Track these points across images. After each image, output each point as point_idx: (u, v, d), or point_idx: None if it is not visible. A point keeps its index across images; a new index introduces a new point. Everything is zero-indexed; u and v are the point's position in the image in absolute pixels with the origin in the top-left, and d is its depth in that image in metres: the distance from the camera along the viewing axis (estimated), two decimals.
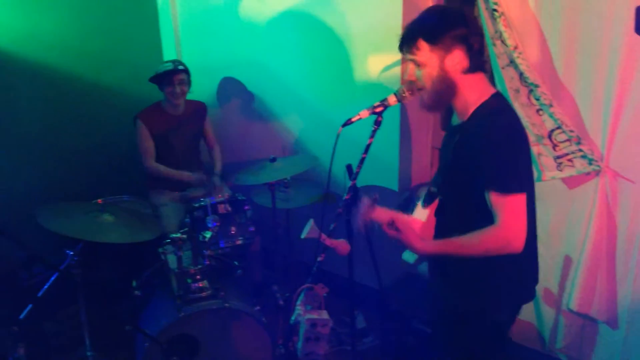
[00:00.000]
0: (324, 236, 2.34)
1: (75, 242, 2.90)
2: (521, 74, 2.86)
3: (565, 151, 2.87)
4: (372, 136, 2.29)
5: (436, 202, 2.31)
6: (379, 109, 2.30)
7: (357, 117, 2.32)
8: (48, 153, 4.00)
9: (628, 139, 2.73)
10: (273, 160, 3.55)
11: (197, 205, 3.43)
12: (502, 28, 2.83)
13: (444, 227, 2.26)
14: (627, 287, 2.92)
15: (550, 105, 2.81)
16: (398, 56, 3.43)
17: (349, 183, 2.41)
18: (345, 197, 2.41)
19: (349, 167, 2.94)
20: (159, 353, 2.81)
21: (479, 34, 2.09)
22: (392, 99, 2.32)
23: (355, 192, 2.74)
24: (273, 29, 4.01)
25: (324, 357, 2.27)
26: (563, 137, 2.84)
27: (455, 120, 2.23)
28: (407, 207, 2.46)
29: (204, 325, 3.00)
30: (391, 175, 3.72)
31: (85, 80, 4.13)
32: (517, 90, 2.90)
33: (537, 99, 2.85)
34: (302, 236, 2.39)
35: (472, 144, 2.05)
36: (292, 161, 3.65)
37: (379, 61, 3.53)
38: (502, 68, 2.93)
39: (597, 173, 2.84)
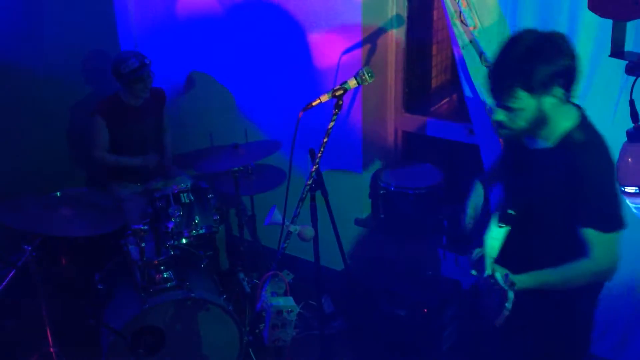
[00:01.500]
0: (287, 222, 2.32)
1: (33, 237, 2.82)
2: (482, 53, 2.87)
3: None
4: (333, 120, 2.29)
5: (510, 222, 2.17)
6: (338, 93, 2.29)
7: (318, 101, 2.31)
8: (2, 146, 3.87)
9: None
10: (235, 146, 3.51)
11: (158, 195, 3.37)
12: (462, 7, 2.83)
13: (520, 250, 2.13)
14: None
15: None
16: (358, 39, 3.41)
17: (312, 167, 2.40)
18: (308, 181, 2.40)
19: (312, 152, 2.93)
20: (124, 346, 2.76)
21: (577, 63, 1.93)
22: (352, 82, 2.32)
23: (319, 177, 2.74)
24: (234, 16, 3.94)
25: (292, 343, 2.26)
26: None
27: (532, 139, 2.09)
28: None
29: (169, 316, 2.96)
30: (355, 158, 3.71)
31: (40, 70, 4.00)
32: (477, 70, 2.91)
33: None
34: (266, 223, 2.37)
35: (566, 177, 1.95)
36: (254, 147, 3.61)
37: (339, 44, 3.50)
38: (463, 48, 2.93)
39: None
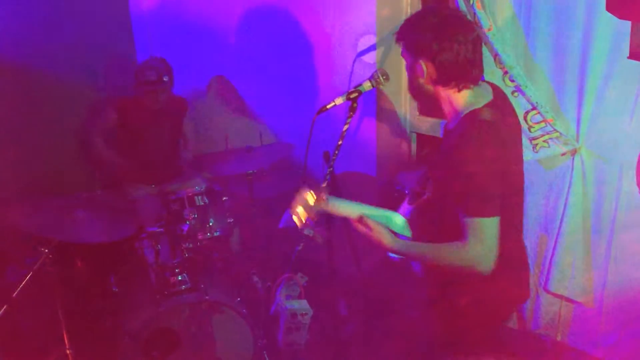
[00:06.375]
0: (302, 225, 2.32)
1: (49, 239, 2.84)
2: (496, 55, 2.85)
3: (540, 132, 2.87)
4: (347, 122, 2.28)
5: (420, 200, 2.27)
6: (353, 95, 2.29)
7: (332, 103, 2.31)
8: (17, 149, 3.91)
9: (601, 118, 2.74)
10: (249, 149, 3.51)
11: (173, 198, 3.38)
12: (477, 9, 2.81)
13: (422, 228, 2.20)
14: (602, 265, 2.95)
15: (526, 86, 2.81)
16: (372, 41, 3.41)
17: (327, 169, 2.40)
18: (323, 184, 2.39)
19: (326, 154, 2.93)
20: (139, 348, 2.78)
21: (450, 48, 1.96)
22: (366, 85, 2.32)
23: (333, 179, 2.74)
24: (250, 21, 3.96)
25: (306, 347, 2.26)
26: (538, 118, 2.84)
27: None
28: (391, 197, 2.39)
29: (184, 318, 2.97)
30: (369, 160, 3.70)
31: (56, 74, 4.04)
32: (492, 73, 2.90)
33: (513, 81, 2.84)
34: (280, 225, 2.38)
35: (448, 157, 2.00)
36: (268, 150, 3.62)
37: (353, 47, 3.50)
38: None
39: (572, 153, 2.85)
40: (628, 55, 1.62)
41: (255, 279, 3.55)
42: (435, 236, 2.07)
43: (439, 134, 3.63)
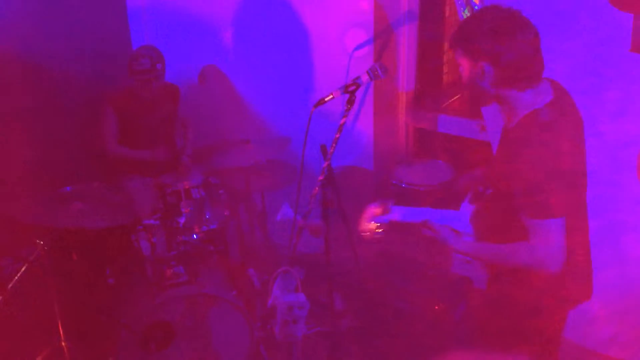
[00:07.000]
0: (298, 218, 2.32)
1: (45, 232, 2.83)
2: None
3: None
4: (345, 115, 2.28)
5: (482, 200, 2.23)
6: (351, 89, 2.28)
7: (330, 96, 2.31)
8: (13, 141, 3.89)
9: (601, 115, 2.74)
10: (246, 142, 3.50)
11: (170, 190, 3.37)
12: (476, 5, 2.81)
13: (486, 227, 2.17)
14: (600, 260, 2.95)
15: None
16: (370, 34, 3.40)
17: (324, 163, 2.39)
18: (320, 177, 2.39)
19: (323, 148, 2.92)
20: (135, 341, 2.77)
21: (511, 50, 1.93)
22: (364, 78, 2.31)
23: (330, 173, 2.73)
24: (246, 13, 3.94)
25: (302, 340, 2.26)
26: None
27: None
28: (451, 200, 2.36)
29: (180, 311, 2.96)
30: (367, 154, 3.70)
31: (51, 66, 4.01)
32: None
33: None
34: (277, 219, 2.37)
35: (507, 159, 1.99)
36: (266, 143, 3.61)
37: (351, 41, 3.49)
38: None
39: None
40: (630, 48, 1.61)
41: (252, 271, 3.55)
42: (499, 235, 2.05)
43: (436, 128, 3.63)
